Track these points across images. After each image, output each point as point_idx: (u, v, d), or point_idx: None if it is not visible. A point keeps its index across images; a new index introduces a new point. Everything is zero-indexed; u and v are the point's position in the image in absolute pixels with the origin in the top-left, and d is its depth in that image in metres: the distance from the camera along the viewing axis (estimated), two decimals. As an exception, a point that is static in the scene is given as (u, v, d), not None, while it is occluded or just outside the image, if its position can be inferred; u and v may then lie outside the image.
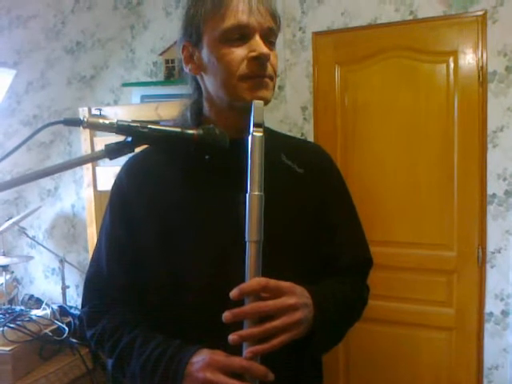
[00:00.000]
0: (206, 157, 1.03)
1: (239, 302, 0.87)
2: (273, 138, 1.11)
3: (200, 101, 1.11)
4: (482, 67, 2.33)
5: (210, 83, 1.05)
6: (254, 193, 0.89)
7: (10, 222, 2.80)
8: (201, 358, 0.90)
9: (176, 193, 1.06)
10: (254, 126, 0.91)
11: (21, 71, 2.63)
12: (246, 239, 0.89)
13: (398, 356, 2.56)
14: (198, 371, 0.88)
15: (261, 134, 0.90)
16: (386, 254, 2.48)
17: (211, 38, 1.00)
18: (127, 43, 2.99)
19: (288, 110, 2.69)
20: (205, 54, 1.02)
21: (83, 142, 2.58)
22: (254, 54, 0.98)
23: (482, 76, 2.33)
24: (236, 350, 0.87)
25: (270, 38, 1.01)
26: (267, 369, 0.87)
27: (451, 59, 2.39)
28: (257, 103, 0.92)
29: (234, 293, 0.86)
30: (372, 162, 2.55)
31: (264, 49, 0.98)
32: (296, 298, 0.91)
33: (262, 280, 0.88)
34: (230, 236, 0.96)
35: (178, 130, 0.94)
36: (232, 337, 0.85)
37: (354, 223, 1.20)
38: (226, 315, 0.86)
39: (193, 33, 1.02)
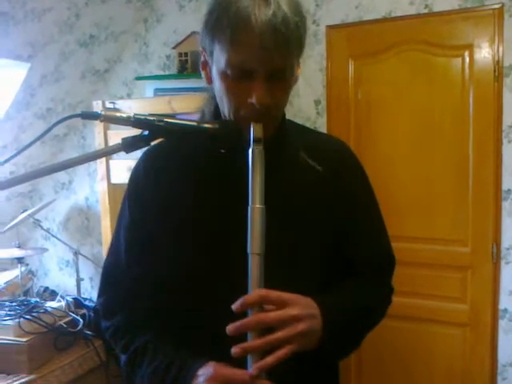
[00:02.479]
0: (222, 151, 1.02)
1: (244, 314, 0.87)
2: (292, 134, 1.09)
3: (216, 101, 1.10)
4: (497, 61, 2.30)
5: (217, 99, 1.02)
6: (255, 205, 0.89)
7: (25, 214, 2.83)
8: (205, 371, 0.90)
9: (191, 191, 1.06)
10: (254, 141, 0.91)
11: (35, 64, 2.65)
12: (248, 251, 0.89)
13: (411, 352, 2.55)
14: None
15: (260, 149, 0.91)
16: (400, 249, 2.41)
17: (219, 62, 0.94)
18: (141, 36, 3.00)
19: (301, 103, 2.68)
20: (214, 71, 0.98)
21: (97, 135, 2.60)
22: (252, 101, 0.92)
23: (498, 70, 2.30)
24: (242, 360, 0.87)
25: (280, 73, 0.94)
26: (271, 383, 0.86)
27: (466, 53, 2.36)
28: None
29: (235, 305, 0.86)
30: (385, 157, 2.54)
31: (263, 98, 0.92)
32: (299, 308, 0.90)
33: (263, 292, 0.88)
34: (239, 245, 0.93)
35: (194, 123, 0.95)
36: (235, 350, 0.85)
37: (375, 222, 1.17)
38: (230, 328, 0.86)
39: (207, 44, 0.97)
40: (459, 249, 2.44)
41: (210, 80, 1.02)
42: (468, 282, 2.44)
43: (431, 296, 2.49)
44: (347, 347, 1.07)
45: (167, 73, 2.92)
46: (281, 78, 0.94)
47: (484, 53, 2.32)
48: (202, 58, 1.02)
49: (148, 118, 0.93)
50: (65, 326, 2.39)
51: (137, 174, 1.12)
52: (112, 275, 1.12)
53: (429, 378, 2.53)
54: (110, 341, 1.10)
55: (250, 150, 0.91)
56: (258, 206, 0.89)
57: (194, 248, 1.03)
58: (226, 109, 0.98)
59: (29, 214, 2.83)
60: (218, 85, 0.98)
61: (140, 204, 1.09)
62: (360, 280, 1.10)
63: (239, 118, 0.96)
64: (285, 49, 0.91)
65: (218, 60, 0.94)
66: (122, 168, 2.52)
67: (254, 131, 0.92)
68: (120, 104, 2.56)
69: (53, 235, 3.05)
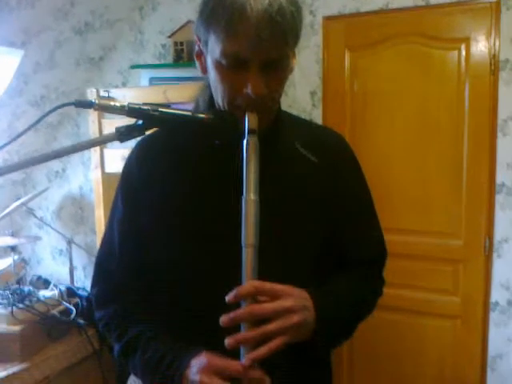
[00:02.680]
0: (216, 142, 1.02)
1: (237, 305, 0.87)
2: (288, 125, 1.09)
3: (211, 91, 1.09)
4: (494, 55, 2.30)
5: (212, 88, 1.01)
6: (249, 197, 0.89)
7: (18, 202, 2.81)
8: (199, 361, 0.91)
9: (186, 182, 1.06)
10: (249, 132, 0.91)
11: (29, 52, 2.62)
12: (242, 243, 0.89)
13: (402, 343, 2.57)
14: (195, 374, 0.89)
15: (255, 139, 0.91)
16: (393, 241, 2.43)
17: (214, 52, 0.94)
18: (136, 24, 2.97)
19: (296, 94, 2.67)
20: (208, 60, 0.98)
21: (91, 123, 2.58)
22: (247, 91, 0.92)
23: (494, 64, 2.30)
24: (235, 351, 0.87)
25: (275, 63, 0.93)
26: (264, 373, 0.87)
27: (463, 46, 2.35)
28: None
29: (229, 296, 0.86)
30: (380, 150, 2.54)
31: (258, 88, 0.91)
32: (293, 300, 0.90)
33: (257, 283, 0.88)
34: (233, 236, 0.94)
35: (189, 113, 0.94)
36: (228, 341, 0.85)
37: (369, 215, 1.17)
38: (223, 319, 0.86)
39: (202, 33, 0.96)
40: (452, 241, 2.45)
41: (204, 70, 1.02)
42: (460, 274, 2.45)
43: (423, 288, 2.51)
44: (339, 338, 1.08)
45: (163, 62, 2.90)
46: (276, 68, 0.94)
47: (480, 46, 2.32)
48: (197, 48, 1.02)
49: (142, 107, 0.92)
50: (58, 314, 2.40)
51: (130, 166, 1.12)
52: (105, 266, 1.12)
53: (420, 370, 2.55)
54: (103, 331, 1.10)
55: (245, 141, 0.90)
56: (252, 197, 0.89)
57: (187, 239, 1.03)
58: (220, 99, 0.97)
59: (22, 203, 2.82)
60: (212, 74, 0.97)
61: (133, 196, 1.09)
62: (352, 272, 1.11)
63: (234, 108, 0.96)
64: (280, 39, 0.90)
65: (213, 50, 0.93)
66: (117, 157, 2.50)
67: (248, 122, 0.91)
68: (114, 93, 2.54)
69: (46, 224, 3.04)
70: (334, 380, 1.19)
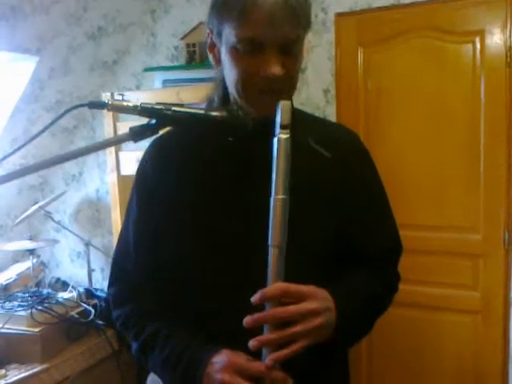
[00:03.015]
0: (230, 139, 1.02)
1: (249, 304, 0.87)
2: (301, 121, 1.09)
3: (226, 86, 1.09)
4: (510, 47, 2.27)
5: (227, 82, 1.02)
6: (278, 196, 0.87)
7: (36, 206, 2.85)
8: (220, 359, 0.90)
9: (200, 180, 1.06)
10: (281, 127, 0.88)
11: (43, 58, 2.65)
12: (269, 243, 0.87)
13: (421, 340, 2.54)
14: (217, 372, 0.89)
15: (287, 136, 0.88)
16: (411, 237, 2.42)
17: (228, 40, 0.96)
18: (148, 27, 2.99)
19: (310, 92, 2.66)
20: (223, 51, 0.99)
21: (106, 126, 2.61)
22: (263, 73, 0.94)
23: (510, 56, 2.27)
24: (256, 351, 0.87)
25: (290, 46, 0.96)
26: (286, 375, 0.87)
27: (478, 39, 2.33)
28: (284, 104, 0.89)
29: (254, 298, 0.86)
30: (395, 146, 2.52)
31: (275, 69, 0.93)
32: (317, 302, 0.90)
33: (283, 286, 0.87)
34: (246, 234, 0.94)
35: (202, 111, 0.94)
36: (252, 343, 0.85)
37: (383, 210, 1.16)
38: (247, 320, 0.86)
39: (215, 25, 0.99)
40: (471, 236, 2.42)
41: (218, 62, 1.03)
42: (480, 269, 2.42)
43: (443, 284, 2.48)
44: (358, 336, 1.08)
45: (175, 64, 2.91)
46: (291, 51, 0.96)
47: (496, 38, 2.29)
48: (209, 41, 1.03)
49: (155, 106, 0.93)
50: (76, 316, 2.42)
51: (144, 166, 1.12)
52: (121, 266, 1.13)
53: (439, 365, 2.53)
54: (121, 329, 1.11)
55: (276, 138, 0.88)
56: (280, 196, 0.87)
57: (200, 236, 1.03)
58: (234, 85, 0.98)
59: (40, 207, 2.85)
60: (227, 63, 0.98)
61: (147, 196, 1.09)
62: (368, 268, 1.10)
63: (249, 91, 0.97)
64: (295, 21, 0.93)
65: (228, 38, 0.95)
66: (132, 159, 2.52)
67: (281, 117, 0.89)
68: (128, 96, 2.50)
69: (64, 227, 3.07)
70: (353, 376, 1.19)
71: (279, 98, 0.91)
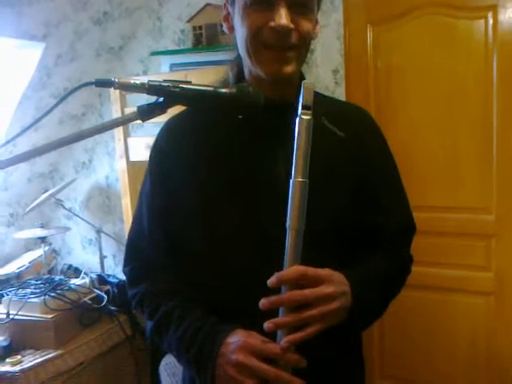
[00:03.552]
0: (240, 116, 1.00)
1: (264, 284, 0.86)
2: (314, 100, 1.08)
3: (241, 63, 1.09)
4: (523, 22, 2.21)
5: (239, 45, 1.04)
6: (297, 179, 0.85)
7: (46, 194, 2.85)
8: (236, 340, 0.90)
9: (212, 159, 1.05)
10: (303, 108, 0.86)
11: (50, 44, 2.64)
12: (287, 226, 0.86)
13: (435, 321, 2.53)
14: (232, 353, 0.88)
15: (309, 117, 0.85)
16: (423, 218, 2.39)
17: (240, 0, 0.99)
18: (154, 12, 2.96)
19: (319, 73, 2.62)
20: (236, 15, 1.01)
21: (114, 113, 2.59)
22: (272, 24, 0.95)
23: (524, 31, 2.22)
24: (271, 333, 0.87)
25: (301, 5, 0.97)
26: (301, 356, 0.87)
27: (490, 14, 2.27)
28: (307, 84, 0.86)
29: (271, 281, 0.86)
30: (407, 126, 2.48)
31: (283, 20, 0.94)
32: (334, 286, 0.90)
33: (300, 269, 0.86)
34: (271, 215, 0.94)
35: (210, 88, 0.93)
36: (267, 325, 0.85)
37: (396, 189, 1.16)
38: (263, 303, 0.86)
39: None
40: (483, 216, 2.38)
41: (231, 29, 1.06)
42: (492, 250, 2.39)
43: (455, 265, 2.45)
44: (372, 319, 1.08)
45: (182, 47, 2.88)
46: (301, 12, 0.97)
47: (509, 13, 2.23)
48: (225, 12, 1.07)
49: (162, 84, 0.91)
50: (89, 302, 2.43)
51: (158, 145, 1.13)
52: (136, 244, 1.13)
53: (453, 347, 2.51)
54: (136, 308, 1.11)
55: (297, 118, 0.86)
56: (299, 179, 0.85)
57: (217, 218, 1.03)
58: (244, 43, 0.99)
59: (50, 194, 2.86)
60: (238, 23, 1.00)
61: (162, 171, 1.09)
62: (383, 250, 1.09)
63: (256, 46, 0.98)
64: None
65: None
66: (141, 145, 2.51)
67: (303, 97, 0.86)
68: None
69: (75, 214, 3.08)
70: (365, 358, 1.18)
71: (286, 56, 0.95)
